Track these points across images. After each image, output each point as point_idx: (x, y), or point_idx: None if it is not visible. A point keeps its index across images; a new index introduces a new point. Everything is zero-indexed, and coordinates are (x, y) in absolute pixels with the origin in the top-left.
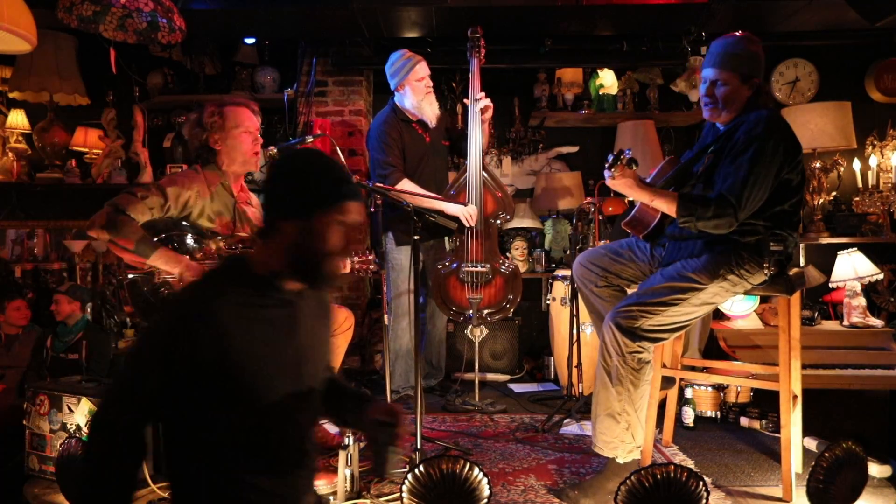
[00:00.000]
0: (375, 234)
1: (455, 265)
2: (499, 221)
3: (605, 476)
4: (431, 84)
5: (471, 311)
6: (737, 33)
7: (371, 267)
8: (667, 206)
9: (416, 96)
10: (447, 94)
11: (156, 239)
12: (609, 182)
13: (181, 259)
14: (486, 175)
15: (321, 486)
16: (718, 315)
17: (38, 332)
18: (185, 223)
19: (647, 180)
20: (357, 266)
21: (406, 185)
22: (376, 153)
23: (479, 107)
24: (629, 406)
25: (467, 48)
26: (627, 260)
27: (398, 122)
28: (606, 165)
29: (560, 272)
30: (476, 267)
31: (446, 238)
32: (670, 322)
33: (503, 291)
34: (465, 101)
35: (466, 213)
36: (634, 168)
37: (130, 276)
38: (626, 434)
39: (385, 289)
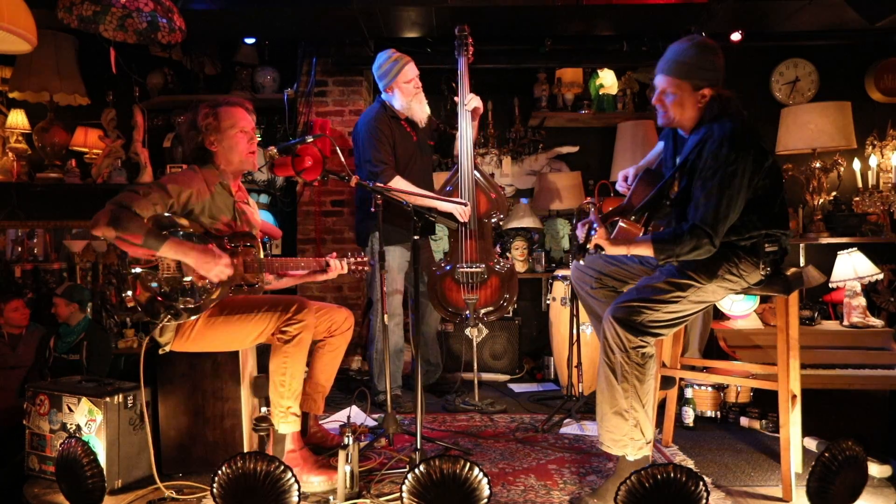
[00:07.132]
0: (364, 232)
1: (450, 266)
2: (493, 220)
3: (619, 477)
4: (420, 84)
5: (467, 312)
6: (694, 37)
7: (366, 269)
8: (645, 252)
9: (405, 98)
10: (447, 94)
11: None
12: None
13: (193, 247)
14: (478, 175)
15: (321, 484)
16: (718, 315)
17: (41, 331)
18: (179, 231)
19: (628, 195)
20: (353, 267)
21: (399, 182)
22: (367, 150)
23: (469, 108)
24: (636, 402)
25: (455, 46)
26: (621, 263)
27: (388, 119)
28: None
29: (560, 272)
30: (471, 267)
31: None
32: (670, 318)
33: (499, 291)
34: (454, 98)
35: (462, 209)
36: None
37: (134, 269)
38: (636, 431)
39: (383, 288)
